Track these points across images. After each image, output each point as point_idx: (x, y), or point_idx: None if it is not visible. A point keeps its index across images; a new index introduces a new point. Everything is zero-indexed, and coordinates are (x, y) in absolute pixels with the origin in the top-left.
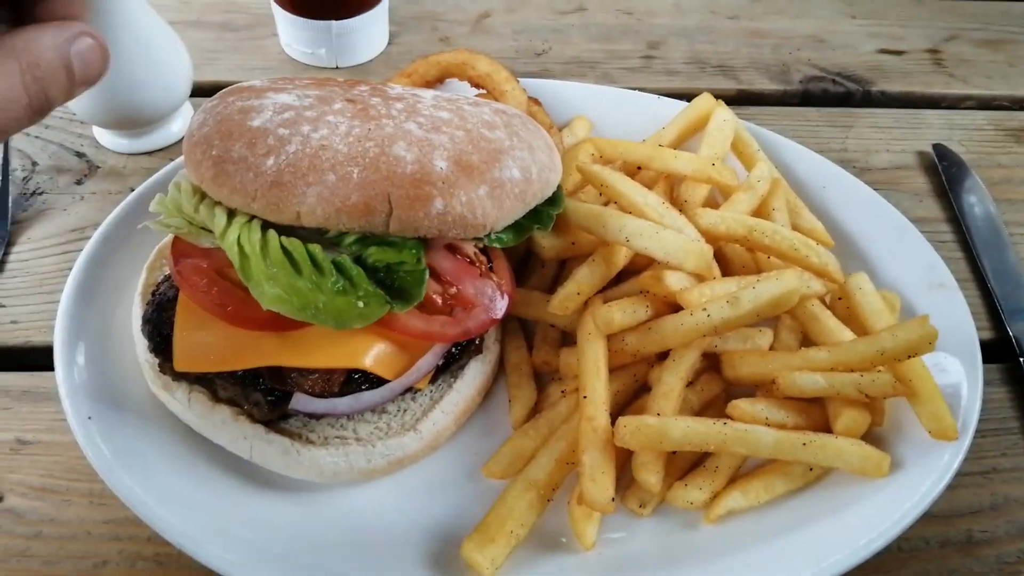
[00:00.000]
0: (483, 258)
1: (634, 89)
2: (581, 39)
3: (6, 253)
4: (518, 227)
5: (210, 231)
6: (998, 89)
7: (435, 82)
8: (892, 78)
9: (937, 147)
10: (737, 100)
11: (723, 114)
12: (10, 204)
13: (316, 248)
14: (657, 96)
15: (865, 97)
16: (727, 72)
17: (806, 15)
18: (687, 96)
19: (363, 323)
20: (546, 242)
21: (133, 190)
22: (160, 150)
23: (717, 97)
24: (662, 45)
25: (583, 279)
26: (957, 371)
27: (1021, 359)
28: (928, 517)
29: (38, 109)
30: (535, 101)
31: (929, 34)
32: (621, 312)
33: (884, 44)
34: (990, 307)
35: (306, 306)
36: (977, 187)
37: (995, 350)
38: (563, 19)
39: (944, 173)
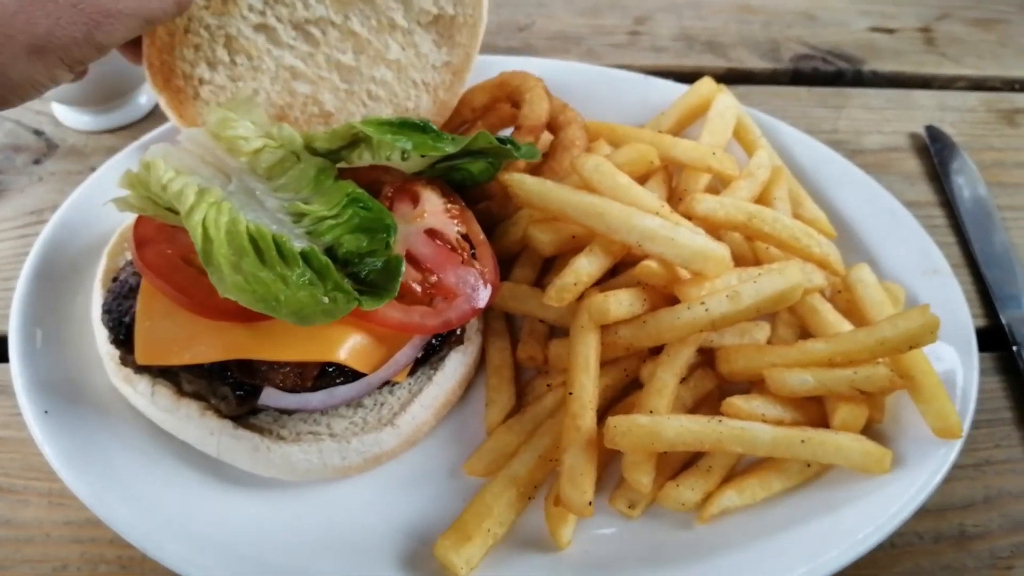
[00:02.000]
0: (465, 245)
1: (621, 67)
2: (565, 13)
3: None
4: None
5: (176, 212)
6: (990, 70)
7: (482, 109)
8: (883, 57)
9: (929, 129)
10: (726, 78)
11: (725, 100)
12: None
13: (284, 237)
14: (645, 76)
15: (856, 76)
16: (716, 49)
17: None
18: (675, 74)
19: (327, 320)
20: (545, 237)
21: (93, 169)
22: (124, 127)
23: (706, 75)
24: (649, 20)
25: (581, 270)
26: (952, 360)
27: (1014, 348)
28: (921, 511)
29: None
30: (563, 108)
31: (921, 12)
32: (617, 303)
33: (876, 22)
34: (982, 293)
35: (266, 297)
36: (969, 170)
37: (987, 338)
38: None
39: (936, 156)
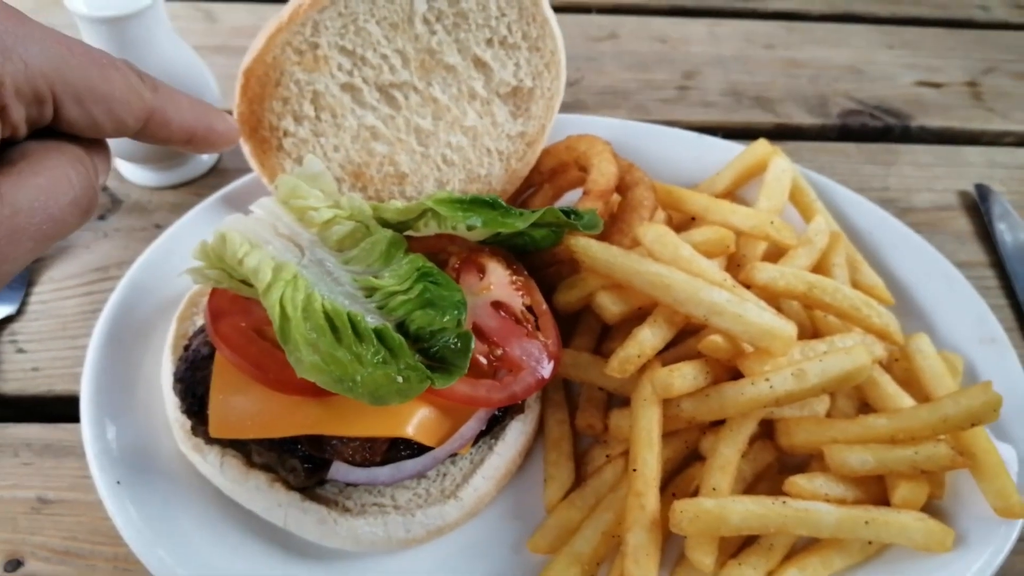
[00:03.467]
0: (530, 317)
1: (670, 122)
2: (615, 67)
3: (26, 294)
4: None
5: (251, 286)
6: None
7: (550, 173)
8: (931, 112)
9: (979, 187)
10: (775, 134)
11: (781, 164)
12: None
13: (359, 315)
14: (699, 135)
15: (904, 132)
16: (764, 104)
17: (842, 44)
18: (724, 129)
19: (401, 400)
20: (614, 308)
21: (158, 226)
22: (186, 183)
23: (755, 131)
24: (697, 75)
25: (645, 342)
26: (1012, 435)
27: None
28: None
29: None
30: (629, 168)
31: (967, 65)
32: (681, 377)
33: (922, 76)
34: None
35: (343, 378)
36: (1019, 229)
37: None
38: (596, 46)
39: (986, 214)
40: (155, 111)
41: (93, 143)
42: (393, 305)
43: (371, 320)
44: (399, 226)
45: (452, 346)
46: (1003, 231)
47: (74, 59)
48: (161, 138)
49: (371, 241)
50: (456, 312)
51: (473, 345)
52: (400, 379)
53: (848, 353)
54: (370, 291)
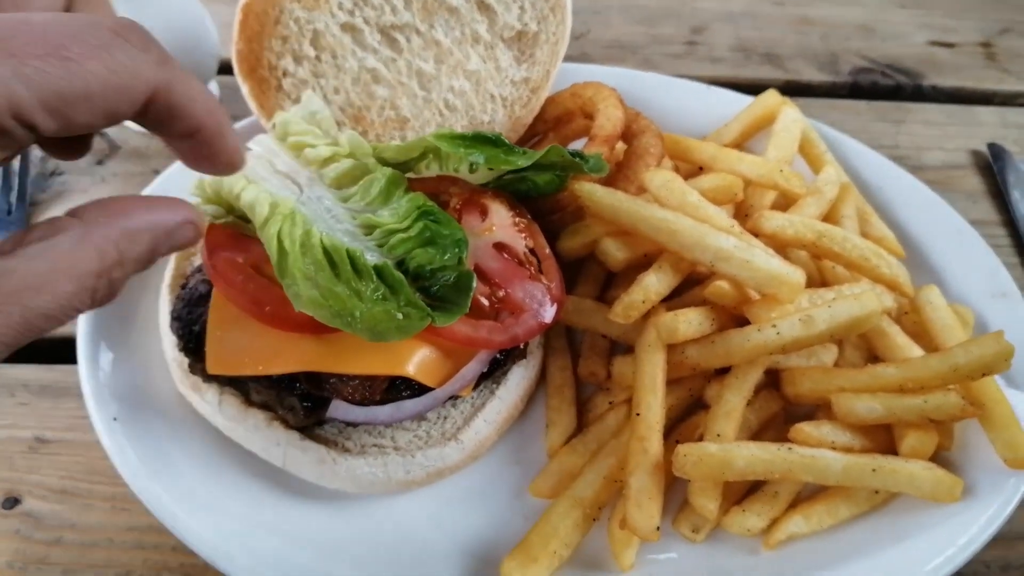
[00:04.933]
0: (533, 259)
1: (678, 77)
2: (621, 21)
3: None
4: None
5: (249, 221)
6: None
7: (555, 121)
8: (944, 72)
9: (992, 146)
10: (784, 90)
11: (791, 114)
12: (28, 185)
13: (357, 251)
14: (708, 86)
15: (916, 91)
16: (773, 61)
17: (854, 3)
18: (733, 85)
19: (400, 336)
20: (619, 254)
21: (156, 172)
22: None
23: (764, 88)
24: (705, 30)
25: (650, 287)
26: (1020, 390)
27: None
28: (989, 540)
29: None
30: (636, 117)
31: (981, 27)
32: (686, 323)
33: (935, 36)
34: None
35: (342, 313)
36: None
37: None
38: (603, 0)
39: (999, 174)
40: (158, 90)
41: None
42: (393, 243)
43: (371, 257)
44: (399, 166)
45: (453, 285)
46: (1015, 189)
47: (27, 67)
48: (163, 122)
49: (370, 179)
50: (457, 250)
51: (475, 284)
52: (400, 316)
53: (857, 299)
54: (369, 229)
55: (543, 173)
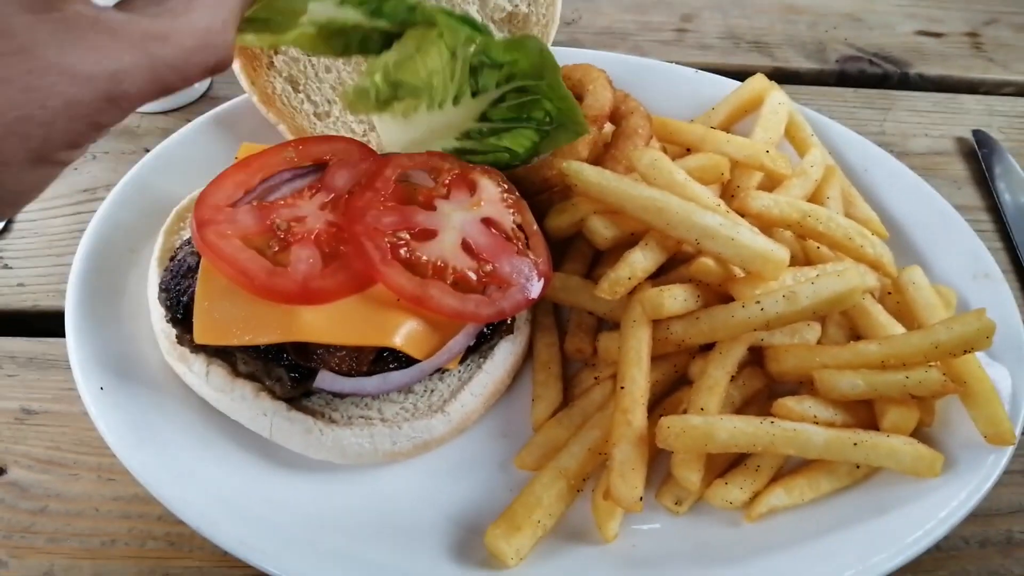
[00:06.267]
0: (520, 234)
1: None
2: (612, 8)
3: None
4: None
5: None
6: None
7: None
8: (930, 61)
9: (977, 133)
10: (772, 78)
11: (778, 97)
12: None
13: None
14: (696, 70)
15: (903, 79)
16: (762, 48)
17: None
18: (722, 72)
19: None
20: (607, 232)
21: (147, 150)
22: (177, 109)
23: (752, 75)
24: (695, 18)
25: (636, 264)
26: (1003, 365)
27: None
28: (968, 516)
29: None
30: (624, 98)
31: (968, 17)
32: (671, 299)
33: (922, 25)
34: None
35: None
36: (1017, 175)
37: None
38: None
39: (984, 160)
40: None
41: None
42: None
43: None
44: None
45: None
46: (999, 176)
47: None
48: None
49: None
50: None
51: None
52: None
53: (840, 275)
54: None
55: (521, 133)
